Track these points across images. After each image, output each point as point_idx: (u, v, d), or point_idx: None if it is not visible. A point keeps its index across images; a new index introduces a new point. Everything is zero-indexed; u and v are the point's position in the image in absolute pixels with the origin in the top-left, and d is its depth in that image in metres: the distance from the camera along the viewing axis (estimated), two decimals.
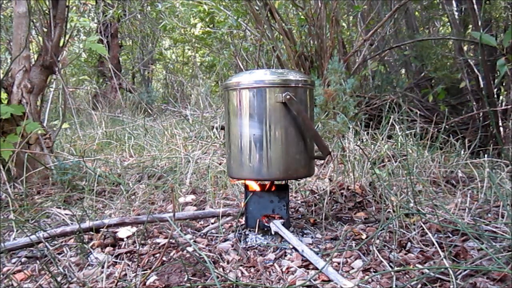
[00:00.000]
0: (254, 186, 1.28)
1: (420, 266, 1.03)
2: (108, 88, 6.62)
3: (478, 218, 1.35)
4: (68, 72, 6.99)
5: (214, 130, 2.95)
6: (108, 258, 1.15)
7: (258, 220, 1.25)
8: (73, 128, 3.52)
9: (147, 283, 1.00)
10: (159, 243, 1.27)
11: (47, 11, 2.07)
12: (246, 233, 1.27)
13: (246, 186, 1.29)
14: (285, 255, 1.15)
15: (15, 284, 1.01)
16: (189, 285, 0.97)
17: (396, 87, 3.74)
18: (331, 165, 1.99)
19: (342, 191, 1.66)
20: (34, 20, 2.15)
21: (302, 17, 3.22)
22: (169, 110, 5.07)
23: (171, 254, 1.19)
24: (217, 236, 1.32)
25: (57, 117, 4.23)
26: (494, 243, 1.09)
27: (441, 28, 4.64)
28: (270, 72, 1.22)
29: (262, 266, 1.09)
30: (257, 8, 3.34)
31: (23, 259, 1.18)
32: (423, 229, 1.23)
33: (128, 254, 1.20)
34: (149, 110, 4.96)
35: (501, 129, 2.77)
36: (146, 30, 7.35)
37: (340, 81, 2.76)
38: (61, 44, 2.12)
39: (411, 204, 1.44)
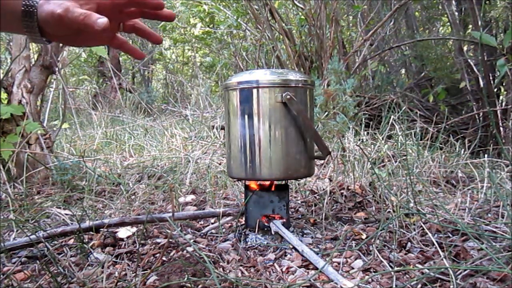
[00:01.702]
0: (254, 186, 1.28)
1: (420, 266, 1.03)
2: (108, 88, 6.62)
3: (478, 218, 1.35)
4: (68, 72, 6.99)
5: (214, 130, 2.95)
6: (108, 258, 1.15)
7: (258, 220, 1.25)
8: (73, 128, 3.52)
9: (147, 283, 1.00)
10: (159, 243, 1.27)
11: None
12: (246, 233, 1.27)
13: (246, 186, 1.29)
14: (285, 255, 1.15)
15: (15, 284, 1.01)
16: (189, 285, 0.97)
17: (396, 87, 3.74)
18: (331, 165, 1.99)
19: (342, 191, 1.66)
20: None
21: (302, 17, 3.23)
22: (169, 110, 5.07)
23: (171, 254, 1.19)
24: (217, 236, 1.32)
25: (57, 117, 4.23)
26: (494, 243, 1.09)
27: (441, 28, 4.64)
28: (270, 72, 1.22)
29: (262, 266, 1.09)
30: (257, 8, 3.34)
31: (23, 259, 1.18)
32: (423, 229, 1.23)
33: (128, 254, 1.20)
34: (149, 110, 4.97)
35: (501, 129, 2.77)
36: None
37: (340, 81, 2.76)
38: (61, 44, 2.12)
39: (411, 204, 1.44)
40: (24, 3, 0.73)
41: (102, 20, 0.69)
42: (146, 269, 1.07)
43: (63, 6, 0.71)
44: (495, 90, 3.01)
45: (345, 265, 1.08)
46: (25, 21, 0.74)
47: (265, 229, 1.25)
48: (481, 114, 3.05)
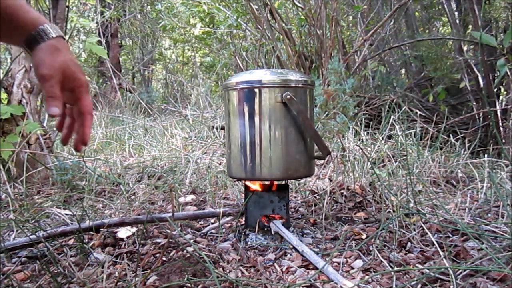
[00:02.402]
0: (254, 186, 1.28)
1: (420, 266, 1.03)
2: (108, 88, 6.62)
3: (478, 218, 1.35)
4: None
5: (214, 130, 2.95)
6: (108, 258, 1.15)
7: (258, 220, 1.25)
8: None
9: (147, 283, 1.00)
10: (159, 243, 1.27)
11: (47, 11, 2.07)
12: (246, 233, 1.27)
13: (246, 186, 1.29)
14: (285, 255, 1.15)
15: (15, 284, 1.01)
16: (189, 285, 0.97)
17: (396, 87, 3.74)
18: (331, 165, 1.99)
19: (342, 191, 1.66)
20: None
21: (302, 17, 3.23)
22: (169, 110, 5.07)
23: (171, 254, 1.19)
24: (217, 236, 1.32)
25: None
26: (494, 243, 1.09)
27: (441, 28, 4.64)
28: (270, 72, 1.22)
29: (262, 266, 1.09)
30: (257, 8, 3.34)
31: (23, 259, 1.18)
32: (423, 229, 1.23)
33: (128, 254, 1.20)
34: (149, 110, 4.96)
35: (501, 129, 2.77)
36: (146, 30, 7.35)
37: (340, 81, 2.76)
38: None
39: (411, 204, 1.44)
40: (38, 29, 0.81)
41: (53, 111, 0.78)
42: (146, 269, 1.07)
43: (50, 71, 0.79)
44: (495, 90, 3.01)
45: (345, 265, 1.08)
46: (28, 43, 0.82)
47: (265, 229, 1.25)
48: (481, 114, 3.05)
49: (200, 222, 1.48)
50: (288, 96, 1.15)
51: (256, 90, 1.17)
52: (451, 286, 0.90)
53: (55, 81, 0.79)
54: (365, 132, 2.41)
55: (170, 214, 1.36)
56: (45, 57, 0.80)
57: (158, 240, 1.29)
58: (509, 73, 2.59)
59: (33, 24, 0.82)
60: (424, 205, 1.49)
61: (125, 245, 1.27)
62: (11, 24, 0.83)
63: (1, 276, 1.07)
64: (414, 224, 1.28)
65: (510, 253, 1.00)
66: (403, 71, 4.48)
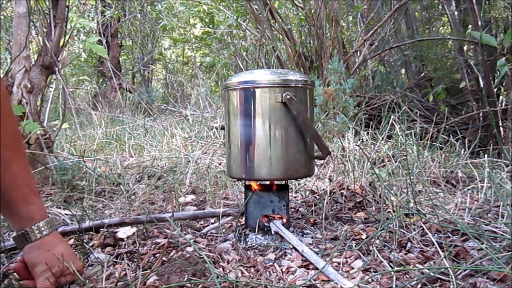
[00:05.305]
0: (254, 186, 1.28)
1: (420, 266, 1.03)
2: (108, 88, 6.62)
3: (478, 218, 1.35)
4: (68, 72, 6.99)
5: (214, 130, 2.95)
6: (108, 258, 1.15)
7: (258, 220, 1.25)
8: (73, 128, 3.52)
9: (147, 283, 1.00)
10: (159, 243, 1.27)
11: (47, 11, 2.07)
12: (246, 233, 1.27)
13: (246, 186, 1.29)
14: (285, 255, 1.15)
15: (15, 284, 1.01)
16: (189, 285, 0.97)
17: (396, 87, 3.74)
18: (331, 165, 1.99)
19: (342, 191, 1.66)
20: (34, 20, 2.15)
21: (302, 17, 3.23)
22: (169, 110, 5.07)
23: (171, 254, 1.19)
24: (217, 236, 1.32)
25: (57, 117, 4.23)
26: (494, 243, 1.09)
27: (441, 28, 4.64)
28: (270, 72, 1.22)
29: (262, 266, 1.09)
30: (257, 8, 3.34)
31: None
32: (423, 229, 1.23)
33: (128, 254, 1.20)
34: (149, 110, 4.96)
35: (501, 129, 2.77)
36: (146, 30, 7.36)
37: (340, 81, 2.76)
38: (61, 44, 2.12)
39: (411, 204, 1.44)
40: (33, 227, 0.94)
41: None
42: (146, 269, 1.07)
43: (44, 266, 0.93)
44: (495, 90, 3.02)
45: (345, 265, 1.08)
46: (22, 236, 0.95)
47: (265, 229, 1.25)
48: (481, 114, 3.05)
49: (200, 222, 1.48)
50: (288, 96, 1.15)
51: (256, 90, 1.17)
52: (451, 286, 0.90)
53: (49, 275, 0.92)
54: (365, 132, 2.41)
55: (170, 214, 1.36)
56: (39, 255, 0.93)
57: (158, 240, 1.29)
58: (509, 73, 2.59)
59: (30, 219, 0.94)
60: (424, 205, 1.49)
61: (125, 245, 1.27)
62: (9, 210, 0.93)
63: (1, 276, 1.07)
64: (414, 224, 1.28)
65: (510, 253, 1.00)
66: (403, 71, 4.48)
